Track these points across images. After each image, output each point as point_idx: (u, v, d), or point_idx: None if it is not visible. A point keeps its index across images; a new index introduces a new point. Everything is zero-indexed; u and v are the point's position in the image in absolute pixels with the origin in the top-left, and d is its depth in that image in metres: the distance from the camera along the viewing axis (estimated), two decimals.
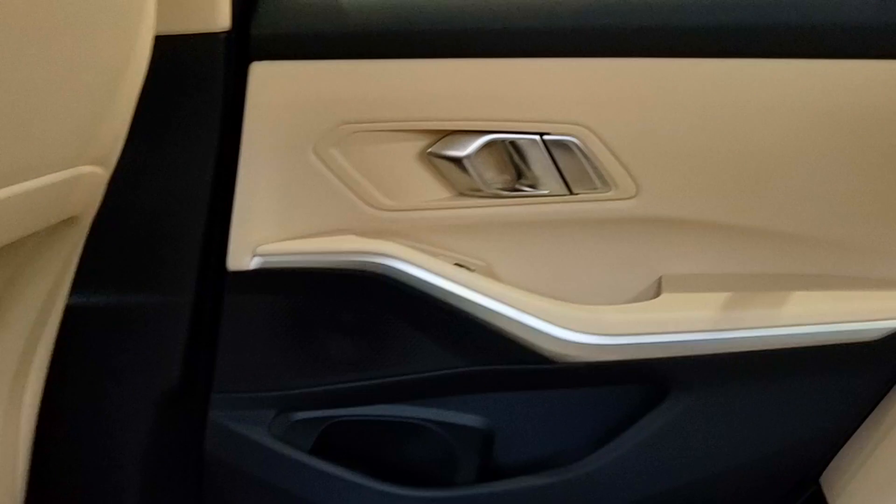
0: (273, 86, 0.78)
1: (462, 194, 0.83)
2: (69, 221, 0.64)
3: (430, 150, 0.81)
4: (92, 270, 0.74)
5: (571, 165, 0.80)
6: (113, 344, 0.84)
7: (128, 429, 0.86)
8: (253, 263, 0.82)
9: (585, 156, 0.80)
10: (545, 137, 0.79)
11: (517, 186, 0.82)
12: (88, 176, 0.61)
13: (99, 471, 0.87)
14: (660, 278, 0.86)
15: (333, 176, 0.81)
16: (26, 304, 0.67)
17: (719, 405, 0.84)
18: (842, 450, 0.86)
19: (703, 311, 0.81)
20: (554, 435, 0.90)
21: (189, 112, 0.77)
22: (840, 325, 0.81)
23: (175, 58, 0.74)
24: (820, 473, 0.88)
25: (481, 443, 0.90)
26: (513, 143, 0.80)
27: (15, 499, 0.77)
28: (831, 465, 0.87)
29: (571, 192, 0.82)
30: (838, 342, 0.81)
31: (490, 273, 0.86)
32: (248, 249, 0.82)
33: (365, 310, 0.83)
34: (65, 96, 0.55)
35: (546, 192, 0.82)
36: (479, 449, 0.90)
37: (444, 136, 0.81)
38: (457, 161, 0.81)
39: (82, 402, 0.84)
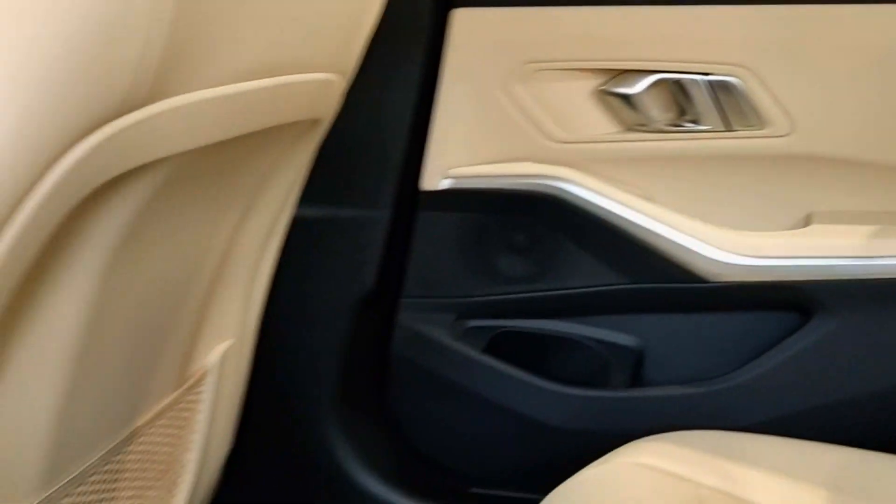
0: (470, 29, 0.91)
1: (629, 129, 0.93)
2: (314, 123, 0.78)
3: (602, 87, 0.92)
4: (306, 184, 0.88)
5: (731, 104, 0.90)
6: (318, 250, 0.98)
7: (327, 327, 1.00)
8: (444, 184, 0.95)
9: (745, 95, 0.89)
10: (708, 77, 0.89)
11: (680, 123, 0.92)
12: (334, 83, 0.75)
13: (301, 363, 1.01)
14: (809, 213, 0.93)
15: (517, 109, 0.93)
16: (274, 196, 0.81)
17: (862, 331, 0.91)
18: None
19: (851, 239, 0.88)
20: (700, 357, 0.98)
21: (399, 47, 0.91)
22: None
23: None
24: None
25: (632, 360, 0.99)
26: (678, 82, 0.90)
27: (243, 374, 0.91)
28: None
29: (730, 129, 0.91)
30: None
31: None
32: (440, 172, 0.95)
33: (537, 228, 0.95)
34: (331, 10, 0.69)
35: (706, 128, 0.91)
36: (630, 366, 0.99)
37: (615, 76, 0.91)
38: (626, 98, 0.91)
39: (290, 299, 0.98)
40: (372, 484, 1.00)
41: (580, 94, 0.93)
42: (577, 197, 0.92)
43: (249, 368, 0.92)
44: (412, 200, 0.96)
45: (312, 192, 0.95)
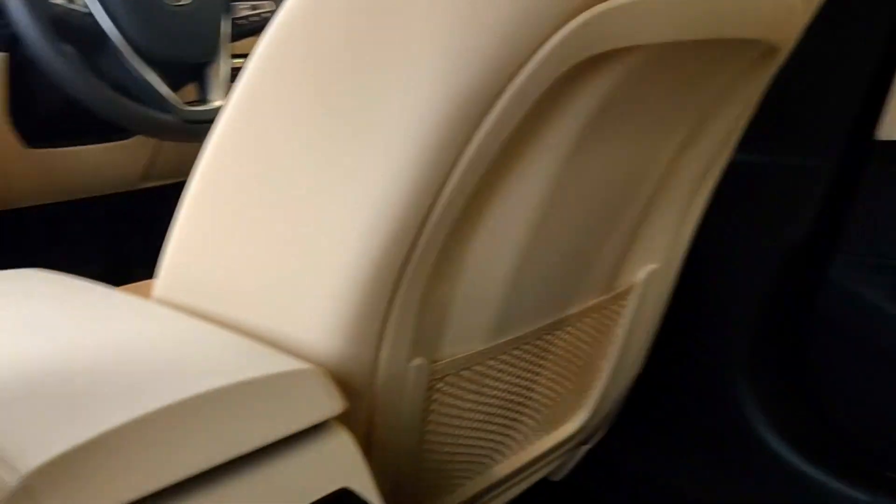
0: None
1: None
2: (771, 51, 0.77)
3: None
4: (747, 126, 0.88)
5: None
6: (751, 195, 0.97)
7: (749, 274, 0.99)
8: None
9: None
10: None
11: None
12: (798, 9, 0.74)
13: (717, 305, 1.01)
14: None
15: None
16: (719, 125, 0.82)
17: None
18: None
19: None
20: None
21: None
22: None
23: None
24: None
25: None
26: None
27: (663, 301, 0.94)
28: None
29: None
30: None
31: None
32: None
33: None
34: None
35: None
36: None
37: None
38: None
39: (716, 239, 0.98)
40: (779, 447, 0.97)
41: None
42: None
43: (669, 298, 0.95)
44: (864, 150, 0.91)
45: (751, 135, 0.94)
